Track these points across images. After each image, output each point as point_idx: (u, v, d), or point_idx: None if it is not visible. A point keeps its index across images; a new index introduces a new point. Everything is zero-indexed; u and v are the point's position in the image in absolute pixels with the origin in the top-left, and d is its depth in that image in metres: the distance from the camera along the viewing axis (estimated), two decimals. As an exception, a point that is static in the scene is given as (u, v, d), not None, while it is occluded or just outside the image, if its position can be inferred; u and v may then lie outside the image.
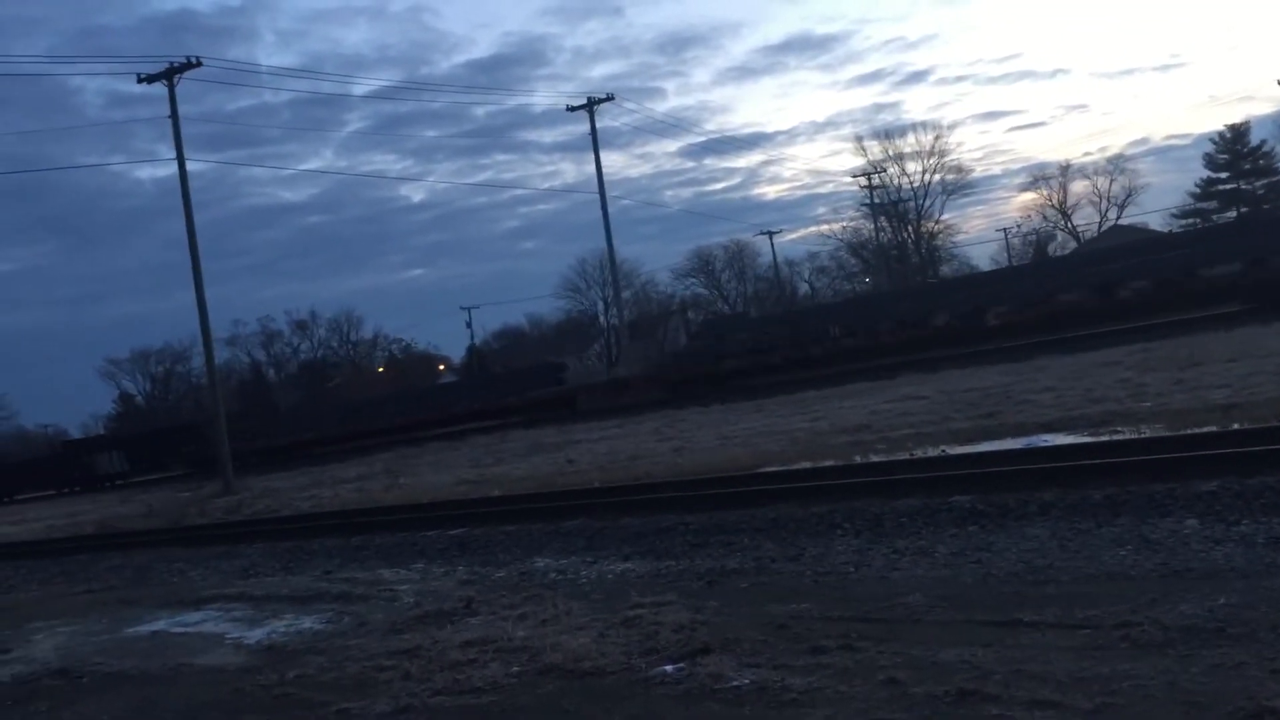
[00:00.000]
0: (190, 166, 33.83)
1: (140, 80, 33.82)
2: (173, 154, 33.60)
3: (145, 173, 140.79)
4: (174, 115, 33.51)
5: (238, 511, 24.28)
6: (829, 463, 14.22)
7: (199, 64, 33.68)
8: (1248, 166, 73.40)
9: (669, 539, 10.45)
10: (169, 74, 33.49)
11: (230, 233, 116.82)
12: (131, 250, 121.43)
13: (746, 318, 59.04)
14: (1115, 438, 12.25)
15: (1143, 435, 12.01)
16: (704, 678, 5.49)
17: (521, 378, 49.66)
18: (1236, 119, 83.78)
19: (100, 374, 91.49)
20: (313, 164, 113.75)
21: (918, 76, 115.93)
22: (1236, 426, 11.43)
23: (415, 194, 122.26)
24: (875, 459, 13.90)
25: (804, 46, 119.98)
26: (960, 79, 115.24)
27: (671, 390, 39.27)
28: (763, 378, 37.13)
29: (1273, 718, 4.07)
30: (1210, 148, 75.55)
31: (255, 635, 8.61)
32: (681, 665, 5.78)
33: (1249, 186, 69.85)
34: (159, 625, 9.81)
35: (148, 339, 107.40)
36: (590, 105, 49.76)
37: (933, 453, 13.59)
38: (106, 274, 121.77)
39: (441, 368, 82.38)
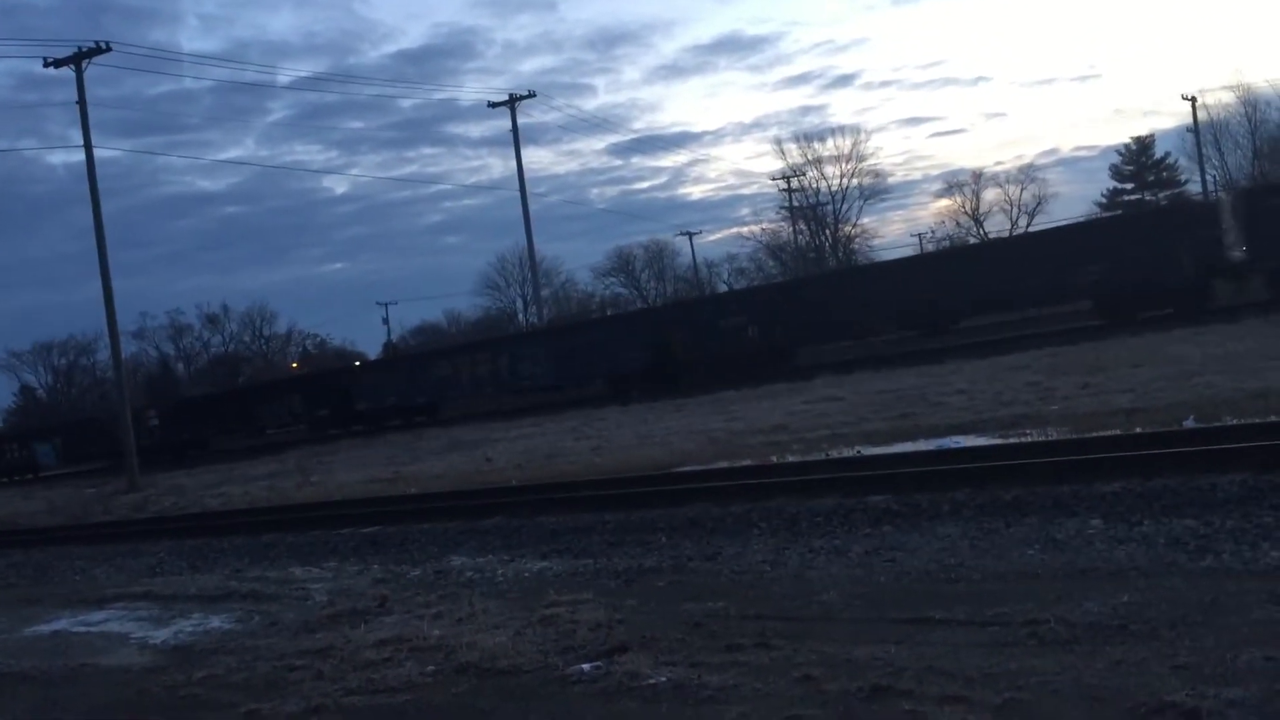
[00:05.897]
0: (104, 153, 33.55)
1: (47, 64, 32.87)
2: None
3: (58, 158, 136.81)
4: (81, 101, 32.61)
5: (143, 509, 23.74)
6: (746, 462, 14.33)
7: (108, 49, 32.80)
8: (1152, 179, 75.65)
9: (587, 537, 10.43)
10: (77, 59, 32.55)
11: (144, 222, 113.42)
12: (41, 238, 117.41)
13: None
14: (1024, 440, 12.54)
15: (1050, 438, 12.31)
16: (621, 676, 5.50)
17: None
18: (1143, 132, 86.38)
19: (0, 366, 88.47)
20: (233, 153, 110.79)
21: (844, 80, 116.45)
22: (1139, 430, 11.77)
23: (338, 186, 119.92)
24: (792, 459, 14.03)
25: (734, 47, 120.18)
26: (885, 84, 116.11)
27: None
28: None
29: (1172, 711, 4.19)
30: (1117, 159, 77.92)
31: (161, 635, 8.43)
32: (598, 663, 5.78)
33: (1153, 197, 71.91)
34: (60, 624, 9.55)
35: (56, 331, 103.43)
36: (512, 102, 49.46)
37: (848, 453, 13.76)
38: (13, 262, 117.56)
39: (357, 364, 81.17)
